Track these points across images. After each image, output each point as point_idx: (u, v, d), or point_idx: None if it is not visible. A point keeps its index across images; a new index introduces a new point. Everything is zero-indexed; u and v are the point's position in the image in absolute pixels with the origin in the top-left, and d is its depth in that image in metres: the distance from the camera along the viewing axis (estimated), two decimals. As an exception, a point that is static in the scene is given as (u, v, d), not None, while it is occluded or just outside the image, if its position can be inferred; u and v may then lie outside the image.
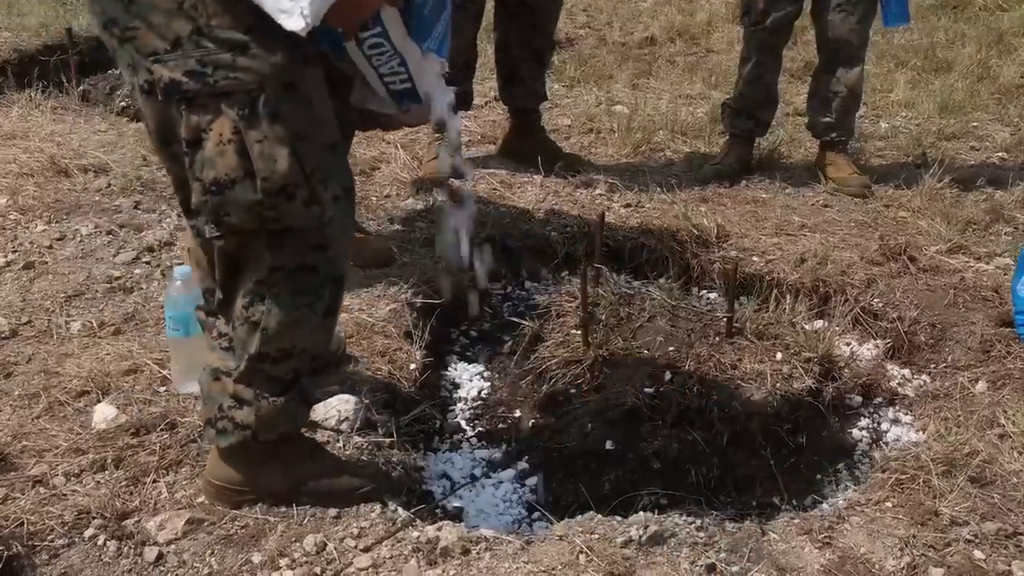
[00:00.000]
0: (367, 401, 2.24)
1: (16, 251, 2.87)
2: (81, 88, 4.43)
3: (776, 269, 3.06)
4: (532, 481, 2.31)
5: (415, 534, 1.84)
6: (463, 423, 2.54)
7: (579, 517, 2.00)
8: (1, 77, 4.46)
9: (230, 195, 1.63)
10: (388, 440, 2.17)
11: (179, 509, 1.88)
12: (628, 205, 3.45)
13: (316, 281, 1.74)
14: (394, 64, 1.85)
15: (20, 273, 2.76)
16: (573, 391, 2.48)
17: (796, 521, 1.99)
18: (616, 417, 2.38)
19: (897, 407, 2.58)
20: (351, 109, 1.98)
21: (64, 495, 1.90)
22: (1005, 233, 3.35)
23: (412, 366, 2.48)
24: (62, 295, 2.64)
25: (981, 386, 2.49)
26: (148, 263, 2.85)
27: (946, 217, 3.38)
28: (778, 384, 2.43)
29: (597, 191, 3.56)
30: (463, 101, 3.74)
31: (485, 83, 4.40)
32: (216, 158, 1.61)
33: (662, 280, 3.04)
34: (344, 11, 1.62)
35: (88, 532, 1.81)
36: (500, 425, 2.53)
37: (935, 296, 2.90)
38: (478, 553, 1.81)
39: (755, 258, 3.13)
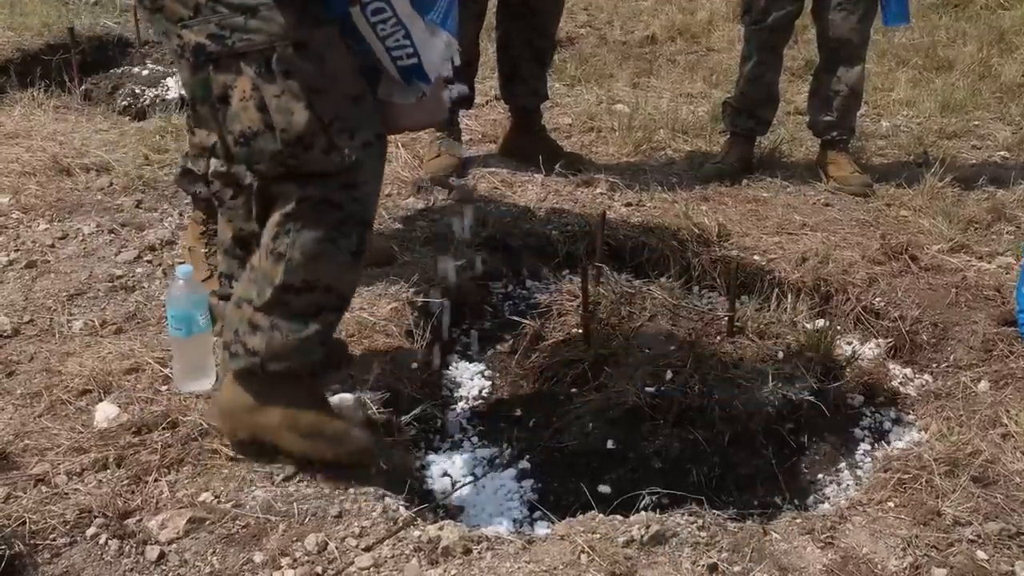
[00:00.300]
0: (368, 400, 2.24)
1: (18, 250, 2.87)
2: (83, 87, 4.43)
3: (777, 268, 3.06)
4: (533, 480, 2.31)
5: (416, 533, 1.85)
6: (464, 422, 2.54)
7: (580, 516, 2.00)
8: (3, 76, 4.47)
9: (255, 146, 1.80)
10: (389, 439, 2.17)
11: (181, 508, 1.88)
12: (629, 204, 3.44)
13: (341, 217, 1.85)
14: (399, 36, 1.90)
15: (22, 272, 2.76)
16: (574, 390, 2.48)
17: (798, 521, 1.99)
18: (617, 416, 2.38)
19: (899, 407, 2.58)
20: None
21: (66, 494, 1.90)
22: (1007, 232, 3.35)
23: (413, 365, 2.48)
24: (64, 294, 2.64)
25: (983, 385, 2.49)
26: (150, 262, 2.85)
27: (948, 216, 3.38)
28: (779, 383, 2.42)
29: (598, 190, 3.55)
30: (465, 100, 3.74)
31: (486, 82, 4.40)
32: (240, 113, 1.79)
33: (663, 279, 3.03)
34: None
35: (90, 531, 1.81)
36: (501, 424, 2.52)
37: (937, 295, 2.90)
38: (479, 553, 1.81)
39: (756, 257, 3.13)
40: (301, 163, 1.81)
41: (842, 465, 2.41)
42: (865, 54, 3.76)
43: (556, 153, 3.77)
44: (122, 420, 2.12)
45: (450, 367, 2.75)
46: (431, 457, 2.35)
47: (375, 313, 2.62)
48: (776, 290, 2.85)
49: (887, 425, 2.53)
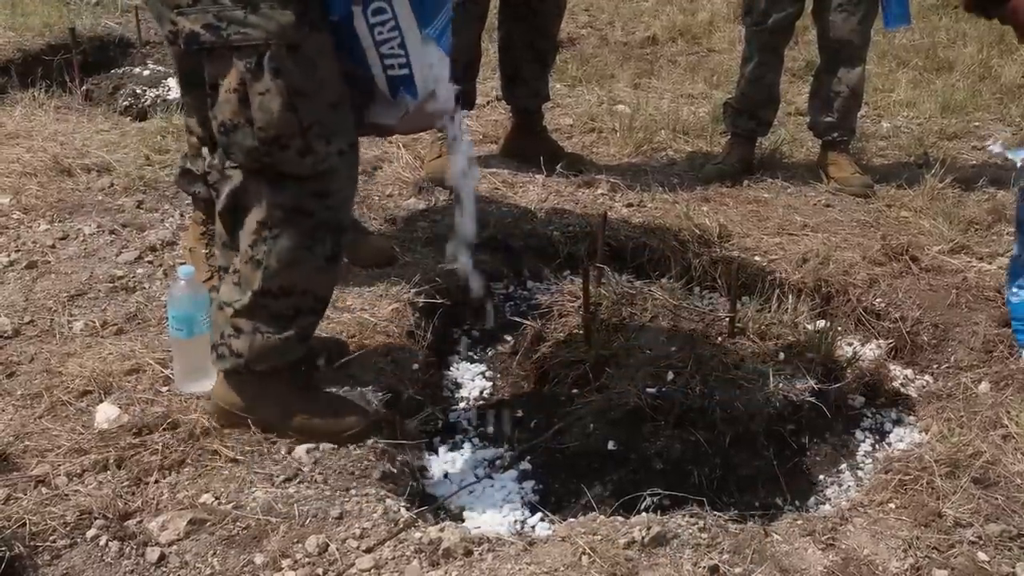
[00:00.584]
0: (369, 401, 2.24)
1: (19, 250, 2.87)
2: (84, 88, 4.44)
3: (778, 269, 3.06)
4: (534, 481, 2.31)
5: (417, 535, 1.84)
6: (465, 423, 2.53)
7: (582, 518, 2.00)
8: (5, 77, 4.48)
9: (234, 137, 1.84)
10: (390, 440, 2.17)
11: (181, 509, 1.88)
12: (630, 205, 3.44)
13: (314, 224, 1.90)
14: (395, 43, 1.93)
15: (23, 272, 2.76)
16: (575, 391, 2.48)
17: (799, 522, 1.99)
18: (618, 417, 2.38)
19: (900, 408, 2.58)
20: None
21: (66, 495, 1.90)
22: (1007, 233, 3.34)
23: (415, 366, 2.48)
24: (65, 295, 2.64)
25: (984, 387, 2.49)
26: (151, 263, 2.85)
27: (948, 217, 3.38)
28: (780, 384, 2.42)
29: (599, 191, 3.55)
30: (466, 100, 3.74)
31: (487, 83, 4.40)
32: (224, 104, 1.82)
33: (664, 280, 3.03)
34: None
35: (90, 532, 1.81)
36: (502, 425, 2.52)
37: (937, 296, 2.90)
38: (480, 554, 1.81)
39: (757, 258, 3.13)
40: (275, 162, 1.85)
41: (843, 466, 2.41)
42: (866, 55, 3.76)
43: (557, 154, 3.77)
44: (123, 421, 2.12)
45: (451, 368, 2.75)
46: (432, 458, 2.35)
47: (376, 314, 2.62)
48: (777, 291, 2.85)
49: (888, 426, 2.53)
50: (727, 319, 2.59)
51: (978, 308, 2.81)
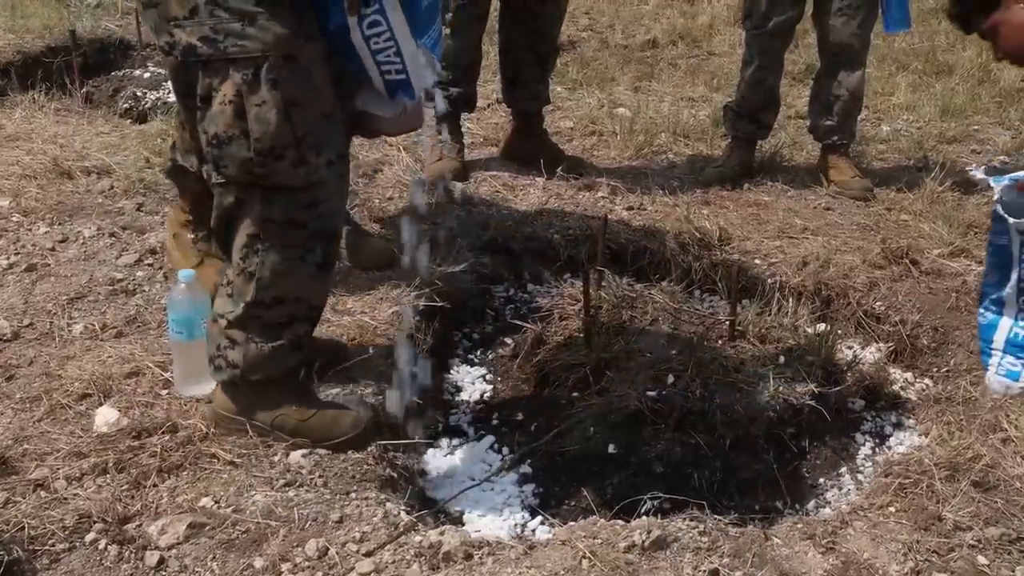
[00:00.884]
0: (369, 403, 2.24)
1: (18, 253, 2.87)
2: (84, 90, 4.44)
3: (778, 272, 3.06)
4: (534, 485, 2.31)
5: (417, 539, 1.84)
6: (465, 426, 2.53)
7: (582, 521, 2.00)
8: (4, 79, 4.47)
9: (226, 150, 1.84)
10: (391, 443, 2.17)
11: (181, 513, 1.87)
12: (630, 208, 3.44)
13: (305, 235, 1.92)
14: (390, 52, 1.97)
15: (22, 275, 2.76)
16: (575, 394, 2.48)
17: (799, 526, 1.99)
18: (618, 420, 2.38)
19: (900, 411, 2.58)
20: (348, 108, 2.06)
21: (65, 499, 1.90)
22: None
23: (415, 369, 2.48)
24: (64, 297, 2.64)
25: (984, 390, 2.49)
26: (150, 265, 2.84)
27: (948, 220, 3.38)
28: (780, 388, 2.42)
29: (599, 194, 3.55)
30: (466, 103, 3.75)
31: (487, 85, 4.40)
32: (218, 116, 1.82)
33: (664, 283, 3.03)
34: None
35: (89, 536, 1.80)
36: (502, 428, 2.52)
37: (937, 299, 2.90)
38: (480, 558, 1.81)
39: (757, 261, 3.13)
40: (269, 172, 1.85)
41: (843, 469, 2.41)
42: (866, 59, 3.76)
43: (557, 157, 3.77)
44: (122, 424, 2.11)
45: (451, 371, 2.75)
46: (432, 462, 2.35)
47: (376, 317, 2.62)
48: (777, 294, 2.85)
49: (888, 429, 2.53)
50: (727, 322, 2.59)
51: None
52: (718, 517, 2.02)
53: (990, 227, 2.52)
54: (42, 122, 3.96)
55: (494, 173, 3.71)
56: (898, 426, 2.53)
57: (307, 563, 1.78)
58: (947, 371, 2.65)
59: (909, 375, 2.73)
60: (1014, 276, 2.44)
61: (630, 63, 5.46)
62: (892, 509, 2.03)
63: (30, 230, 3.02)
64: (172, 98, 4.28)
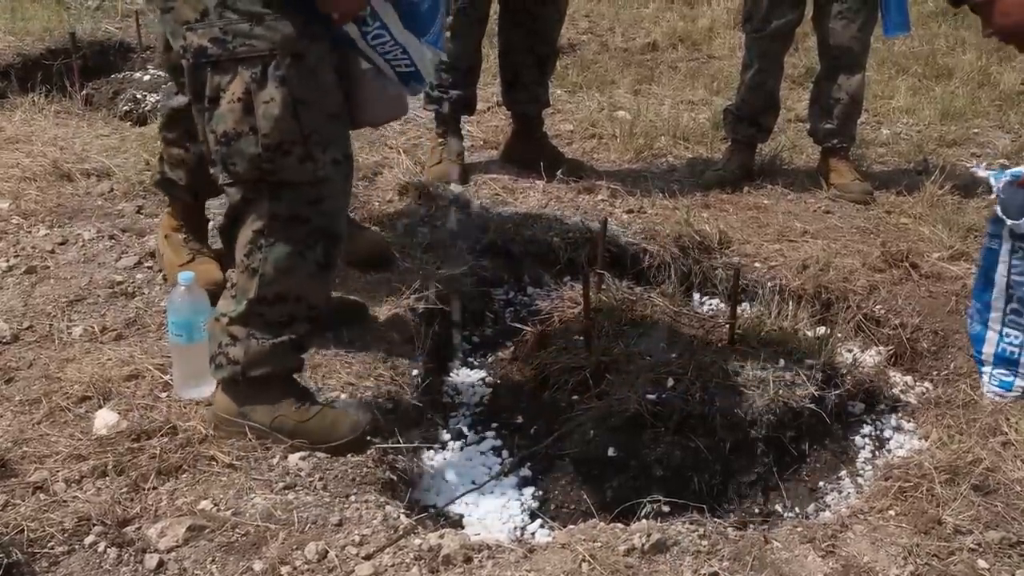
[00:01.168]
0: (369, 406, 2.23)
1: (18, 255, 2.87)
2: (84, 92, 4.43)
3: (778, 275, 3.06)
4: (534, 488, 2.31)
5: (417, 542, 1.84)
6: (465, 429, 2.53)
7: (581, 524, 1.99)
8: (4, 81, 4.47)
9: (235, 147, 1.89)
10: (390, 446, 2.17)
11: (180, 516, 1.87)
12: (630, 211, 3.44)
13: (308, 230, 1.97)
14: (397, 53, 2.09)
15: (22, 278, 2.75)
16: (575, 397, 2.48)
17: (799, 529, 1.99)
18: (618, 423, 2.38)
19: (900, 414, 2.57)
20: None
21: (64, 501, 1.89)
22: (1007, 240, 3.35)
23: (415, 372, 2.48)
24: (64, 300, 2.64)
25: (983, 393, 2.49)
26: (150, 268, 2.84)
27: (948, 223, 3.38)
28: (780, 391, 2.42)
29: (599, 196, 3.55)
30: (466, 106, 3.75)
31: (487, 88, 4.40)
32: (227, 114, 1.88)
33: (664, 286, 3.03)
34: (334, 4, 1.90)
35: (88, 539, 1.80)
36: (502, 431, 2.52)
37: (937, 303, 2.90)
38: (480, 561, 1.81)
39: (757, 264, 3.13)
40: (276, 168, 1.90)
41: (843, 473, 2.41)
42: (865, 62, 3.76)
43: (557, 159, 3.77)
44: (121, 427, 2.11)
45: (451, 374, 2.75)
46: (432, 465, 2.35)
47: (376, 319, 2.61)
48: (777, 297, 2.85)
49: (888, 433, 2.53)
50: (727, 325, 2.59)
51: (978, 315, 2.81)
52: (718, 520, 2.02)
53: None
54: (42, 124, 3.95)
55: (494, 176, 3.71)
56: (898, 429, 2.53)
57: (306, 566, 1.77)
58: (947, 374, 2.64)
59: (909, 378, 2.73)
60: (1002, 282, 2.42)
61: (630, 66, 5.46)
62: (892, 513, 2.03)
63: (30, 232, 3.02)
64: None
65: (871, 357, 2.80)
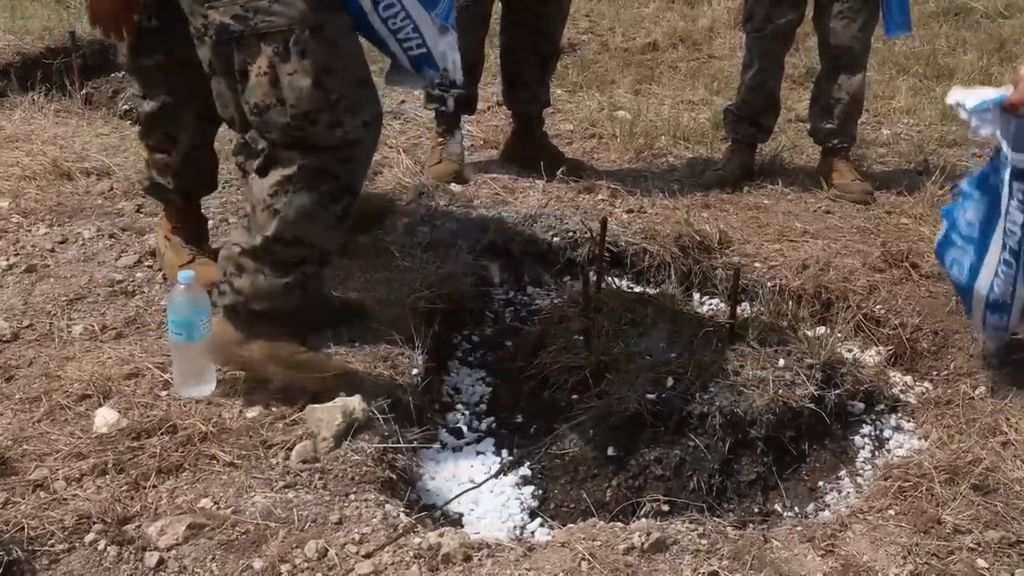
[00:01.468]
0: (369, 406, 2.23)
1: (18, 254, 2.87)
2: (84, 91, 4.43)
3: (778, 275, 3.06)
4: (534, 487, 2.31)
5: (416, 540, 1.84)
6: (465, 428, 2.53)
7: (581, 523, 2.00)
8: (4, 80, 4.46)
9: (267, 117, 2.02)
10: (390, 445, 2.17)
11: (180, 514, 1.88)
12: (630, 210, 3.44)
13: (334, 186, 2.08)
14: (408, 29, 2.16)
15: (22, 276, 2.76)
16: (575, 397, 2.48)
17: (799, 528, 1.99)
18: (618, 423, 2.38)
19: (899, 414, 2.57)
20: None
21: (64, 499, 1.90)
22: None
23: (415, 371, 2.48)
24: (64, 298, 2.64)
25: (983, 393, 2.49)
26: (150, 267, 2.84)
27: (948, 224, 3.38)
28: (780, 391, 2.42)
29: (599, 196, 3.55)
30: (468, 105, 3.74)
31: (488, 88, 4.40)
32: (256, 87, 2.00)
33: (664, 286, 3.03)
34: None
35: (88, 537, 1.80)
36: (502, 430, 2.52)
37: (937, 303, 2.90)
38: (480, 560, 1.81)
39: (757, 264, 3.13)
40: (307, 135, 2.02)
41: (842, 473, 2.41)
42: (866, 62, 3.76)
43: (557, 159, 3.77)
44: (121, 425, 2.11)
45: (450, 373, 2.75)
46: (431, 464, 2.35)
47: (376, 319, 2.61)
48: (777, 297, 2.85)
49: (887, 432, 2.53)
50: (727, 325, 2.59)
51: (978, 315, 2.81)
52: (717, 519, 2.02)
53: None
54: (42, 123, 3.96)
55: (494, 175, 3.71)
56: (898, 429, 2.53)
57: (306, 564, 1.78)
58: (947, 374, 2.65)
59: (909, 378, 2.73)
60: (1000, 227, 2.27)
61: (630, 66, 5.45)
62: (891, 512, 2.03)
63: (30, 231, 3.02)
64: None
65: (871, 357, 2.80)
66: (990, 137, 2.26)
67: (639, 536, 1.86)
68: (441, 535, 1.84)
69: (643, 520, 1.98)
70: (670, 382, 2.42)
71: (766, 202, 3.64)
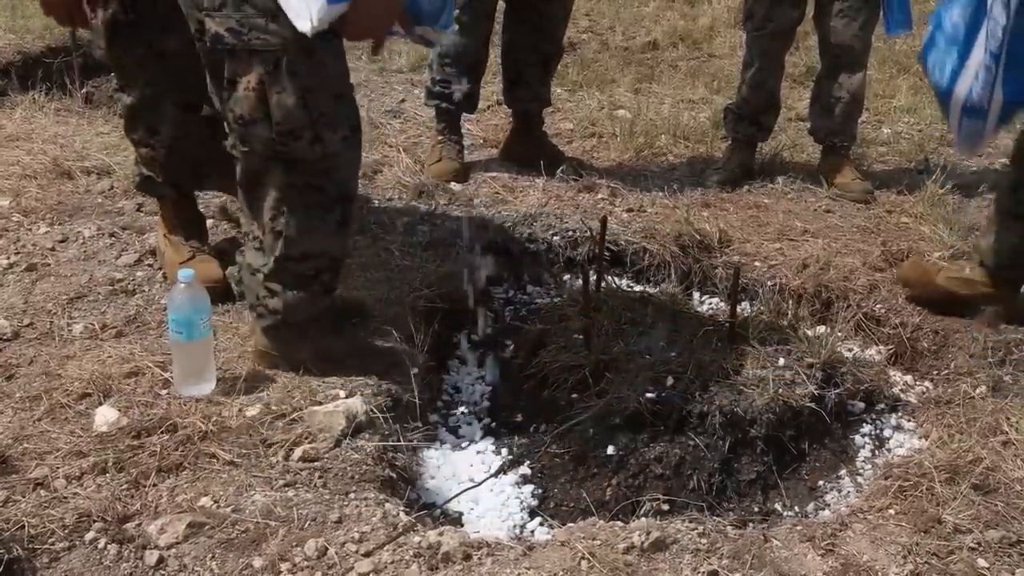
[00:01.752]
0: (369, 405, 2.24)
1: (19, 253, 2.87)
2: (84, 90, 4.43)
3: (778, 274, 3.06)
4: (533, 486, 2.31)
5: (416, 539, 1.84)
6: (465, 427, 2.53)
7: (581, 522, 2.00)
8: (5, 79, 4.47)
9: (252, 130, 2.06)
10: (390, 444, 2.17)
11: (180, 513, 1.87)
12: (630, 209, 3.44)
13: (324, 197, 2.16)
14: None
15: (22, 275, 2.76)
16: (575, 396, 2.47)
17: (799, 528, 1.99)
18: (618, 422, 2.37)
19: (900, 413, 2.57)
20: None
21: (65, 498, 1.90)
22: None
23: (415, 370, 2.48)
24: (64, 297, 2.64)
25: (983, 392, 2.49)
26: (150, 266, 2.85)
27: (948, 223, 3.38)
28: (780, 390, 2.42)
29: (599, 195, 3.55)
30: (468, 103, 3.74)
31: (488, 87, 4.40)
32: (243, 100, 2.03)
33: (664, 285, 3.03)
34: (356, 32, 2.07)
35: (89, 535, 1.80)
36: (502, 429, 2.52)
37: (937, 303, 2.89)
38: (479, 559, 1.81)
39: (757, 263, 3.13)
40: (289, 150, 2.07)
41: (843, 472, 2.41)
42: (867, 61, 3.76)
43: (557, 158, 3.77)
44: (122, 424, 2.11)
45: (451, 372, 2.75)
46: (431, 462, 2.35)
47: (376, 318, 2.61)
48: (777, 296, 2.85)
49: (888, 432, 2.53)
50: (727, 324, 2.59)
51: (978, 314, 2.81)
52: (717, 519, 2.02)
53: None
54: (42, 122, 3.96)
55: (494, 174, 3.71)
56: (898, 428, 2.53)
57: (306, 563, 1.78)
58: (947, 374, 2.64)
59: (909, 378, 2.73)
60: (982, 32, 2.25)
61: (630, 65, 5.46)
62: (892, 511, 2.03)
63: (30, 230, 3.02)
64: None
65: (871, 356, 2.80)
66: None
67: (639, 535, 1.86)
68: (441, 534, 1.84)
69: (643, 519, 1.98)
70: (670, 381, 2.42)
71: (766, 201, 3.64)
